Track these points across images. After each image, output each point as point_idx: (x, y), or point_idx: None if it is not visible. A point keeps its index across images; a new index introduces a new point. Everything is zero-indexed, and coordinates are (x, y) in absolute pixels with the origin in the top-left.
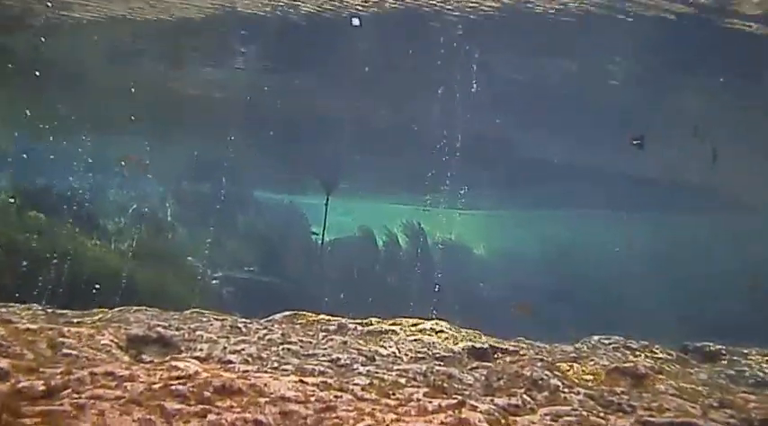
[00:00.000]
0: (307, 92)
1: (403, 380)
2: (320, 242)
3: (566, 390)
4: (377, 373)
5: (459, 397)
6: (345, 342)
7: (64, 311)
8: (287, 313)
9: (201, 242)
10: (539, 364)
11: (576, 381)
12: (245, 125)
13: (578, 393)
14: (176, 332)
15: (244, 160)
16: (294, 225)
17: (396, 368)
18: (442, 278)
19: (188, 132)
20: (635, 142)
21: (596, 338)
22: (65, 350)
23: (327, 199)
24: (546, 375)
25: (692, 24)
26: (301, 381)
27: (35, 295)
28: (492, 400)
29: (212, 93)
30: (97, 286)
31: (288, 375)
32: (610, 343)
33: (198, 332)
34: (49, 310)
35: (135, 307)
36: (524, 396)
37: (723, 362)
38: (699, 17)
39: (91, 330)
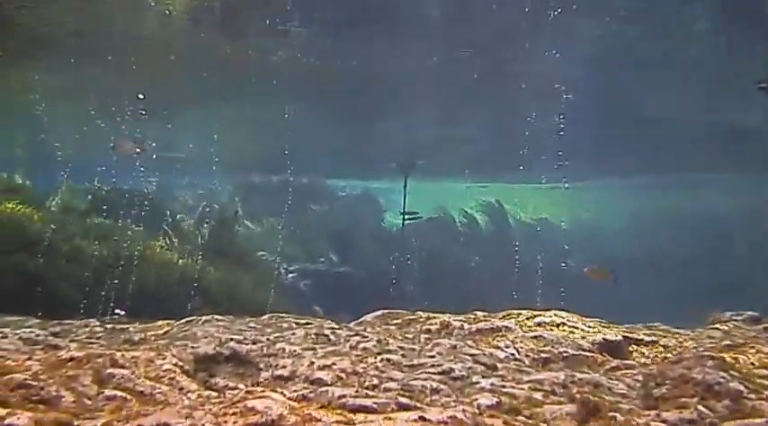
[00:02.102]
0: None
1: (539, 396)
2: (401, 225)
3: (752, 396)
4: (503, 388)
5: (618, 416)
6: (455, 347)
7: (125, 325)
8: (378, 313)
9: (274, 236)
10: (710, 362)
11: (753, 380)
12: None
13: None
14: (253, 346)
15: (312, 144)
16: (368, 211)
17: (526, 379)
18: (532, 258)
19: (247, 108)
20: (761, 86)
21: (728, 315)
22: (112, 390)
23: (405, 182)
24: (723, 377)
25: None
26: (422, 419)
27: (100, 304)
28: (658, 415)
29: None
30: (165, 291)
31: (401, 409)
32: (749, 320)
33: (278, 345)
34: (109, 325)
35: (204, 317)
36: (700, 408)
37: None
38: None
39: (150, 353)
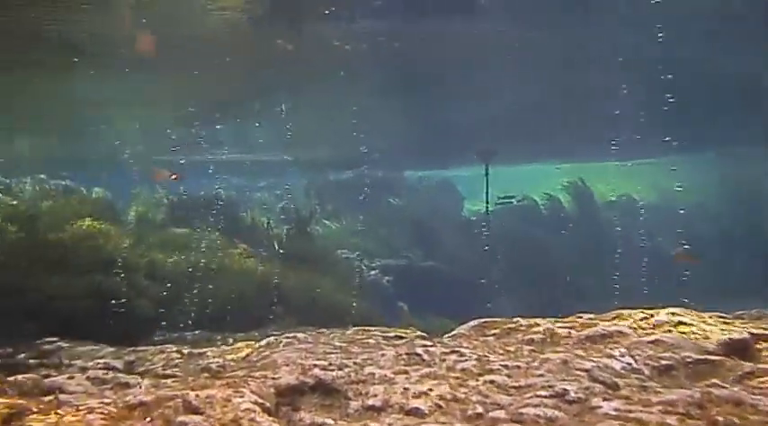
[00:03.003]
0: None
1: (673, 421)
2: (488, 212)
3: None
4: (630, 412)
5: None
6: (565, 362)
7: (203, 349)
8: (473, 322)
9: (354, 233)
10: None
11: None
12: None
13: None
14: (339, 373)
15: (387, 136)
16: (448, 201)
17: (654, 399)
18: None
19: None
20: None
21: None
22: None
23: (487, 169)
24: None
25: None
26: None
27: (178, 318)
28: None
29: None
30: (246, 301)
31: None
32: None
33: (367, 369)
34: (186, 350)
35: (284, 339)
36: None
37: None
38: None
39: (227, 390)
